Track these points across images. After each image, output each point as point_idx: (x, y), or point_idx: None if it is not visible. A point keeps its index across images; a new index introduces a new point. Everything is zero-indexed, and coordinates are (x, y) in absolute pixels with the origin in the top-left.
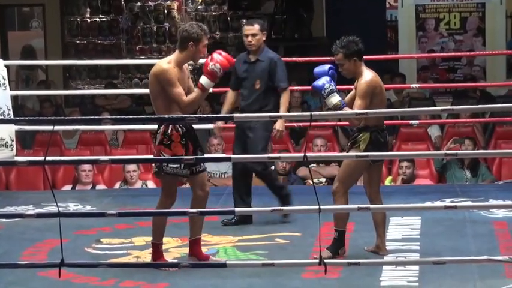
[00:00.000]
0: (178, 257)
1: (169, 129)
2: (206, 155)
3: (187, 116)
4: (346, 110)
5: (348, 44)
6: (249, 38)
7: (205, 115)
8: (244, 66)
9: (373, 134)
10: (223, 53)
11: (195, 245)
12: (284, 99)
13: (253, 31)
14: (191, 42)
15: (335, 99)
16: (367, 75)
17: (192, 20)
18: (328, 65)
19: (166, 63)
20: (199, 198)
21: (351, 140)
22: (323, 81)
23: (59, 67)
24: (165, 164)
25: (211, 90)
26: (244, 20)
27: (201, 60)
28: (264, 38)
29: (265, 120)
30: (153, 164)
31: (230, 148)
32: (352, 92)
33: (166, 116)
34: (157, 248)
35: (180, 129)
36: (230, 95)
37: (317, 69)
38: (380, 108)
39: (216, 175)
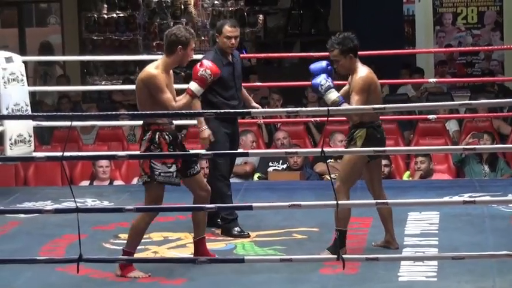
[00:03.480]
0: None
1: (157, 136)
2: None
3: (205, 111)
4: (347, 106)
5: (344, 40)
6: (233, 40)
7: (222, 110)
8: (228, 68)
9: (369, 130)
10: (210, 63)
11: (200, 245)
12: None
13: (237, 33)
14: (180, 46)
15: (333, 95)
16: (363, 71)
17: (209, 16)
18: (325, 61)
19: (153, 69)
20: (201, 198)
21: (348, 137)
22: (320, 79)
23: (77, 63)
24: (157, 173)
25: None
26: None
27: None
28: None
29: None
30: (143, 173)
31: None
32: (345, 87)
33: (185, 111)
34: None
35: (167, 137)
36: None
37: (313, 66)
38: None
39: None
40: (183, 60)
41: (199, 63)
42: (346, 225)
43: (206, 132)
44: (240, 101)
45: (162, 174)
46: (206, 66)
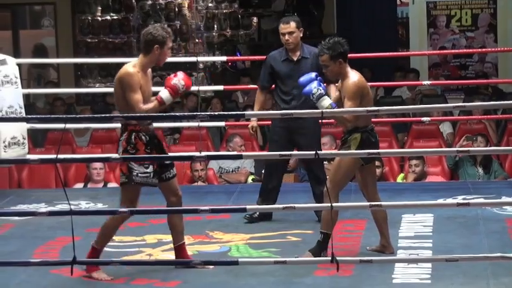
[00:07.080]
0: (190, 255)
1: (133, 137)
2: (222, 153)
3: (199, 113)
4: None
5: (334, 45)
6: (286, 37)
7: (216, 113)
8: (287, 64)
9: (364, 134)
10: (184, 75)
11: (180, 251)
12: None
13: (289, 29)
14: (156, 45)
15: (326, 102)
16: (354, 76)
17: (203, 18)
18: (314, 73)
19: (131, 67)
20: (173, 204)
21: (341, 141)
22: (311, 86)
23: (71, 65)
24: (135, 173)
25: (222, 87)
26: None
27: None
28: (301, 35)
29: (314, 120)
30: (121, 174)
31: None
32: (336, 94)
33: (178, 114)
34: (96, 253)
35: (143, 137)
36: (261, 95)
37: (303, 79)
38: None
39: (229, 171)
40: (160, 60)
41: (173, 73)
42: (331, 228)
43: (254, 122)
44: (296, 98)
45: (139, 175)
46: (180, 77)
